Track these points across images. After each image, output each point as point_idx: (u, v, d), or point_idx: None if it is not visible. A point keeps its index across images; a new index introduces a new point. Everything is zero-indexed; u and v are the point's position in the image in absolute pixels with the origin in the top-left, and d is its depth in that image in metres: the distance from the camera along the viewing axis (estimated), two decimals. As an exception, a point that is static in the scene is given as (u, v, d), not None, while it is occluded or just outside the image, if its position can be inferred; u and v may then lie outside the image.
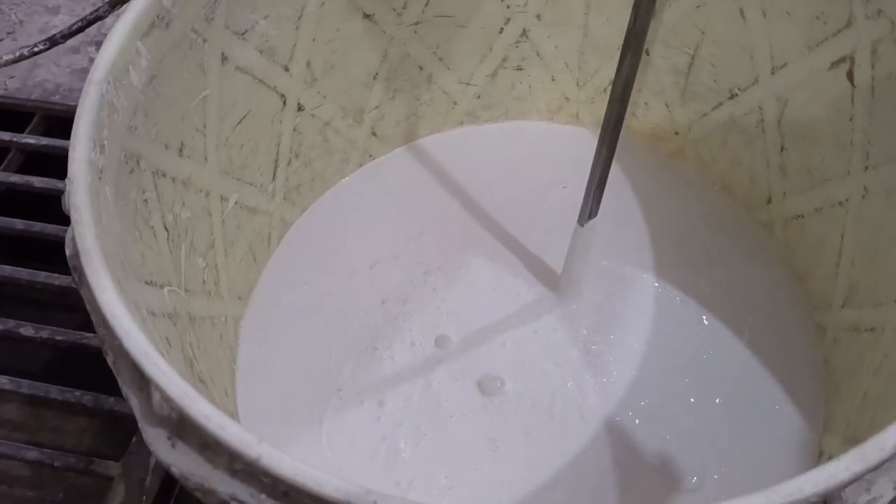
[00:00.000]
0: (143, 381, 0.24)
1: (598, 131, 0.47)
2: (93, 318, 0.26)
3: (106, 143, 0.28)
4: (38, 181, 0.55)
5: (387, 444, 0.38)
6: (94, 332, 0.47)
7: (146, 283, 0.30)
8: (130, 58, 0.30)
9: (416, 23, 0.42)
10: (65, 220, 0.50)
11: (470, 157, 0.48)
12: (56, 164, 0.57)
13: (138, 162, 0.31)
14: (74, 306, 0.53)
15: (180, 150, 0.34)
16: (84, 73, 0.61)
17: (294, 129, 0.41)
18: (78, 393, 0.46)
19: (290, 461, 0.21)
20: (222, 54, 0.35)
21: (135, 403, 0.24)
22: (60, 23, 0.64)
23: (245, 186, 0.39)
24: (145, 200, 0.31)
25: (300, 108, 0.41)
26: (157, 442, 0.23)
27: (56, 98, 0.59)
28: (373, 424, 0.39)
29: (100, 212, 0.26)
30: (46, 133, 0.58)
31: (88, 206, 0.25)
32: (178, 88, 0.33)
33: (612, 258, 0.43)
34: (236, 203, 0.39)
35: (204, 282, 0.36)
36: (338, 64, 0.41)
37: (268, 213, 0.42)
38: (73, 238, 0.26)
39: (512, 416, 0.38)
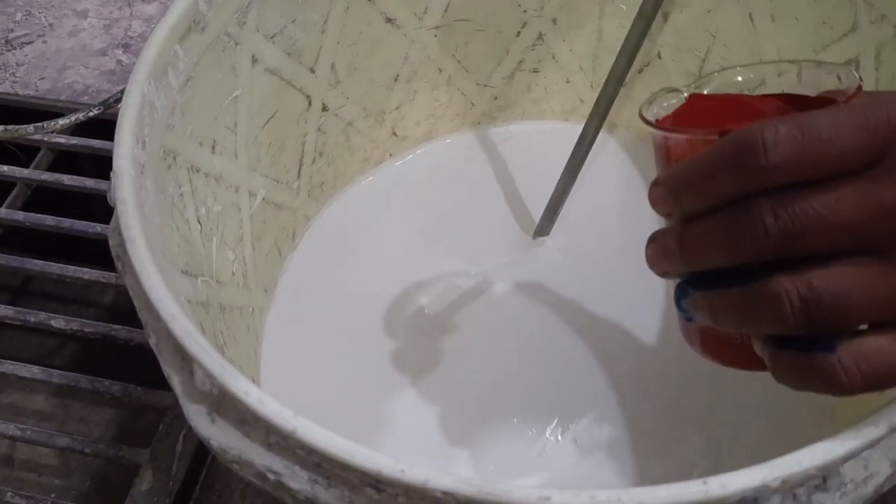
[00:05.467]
0: (185, 361, 0.25)
1: (610, 131, 0.49)
2: (136, 302, 0.27)
3: (147, 139, 0.30)
4: (67, 179, 0.56)
5: (411, 429, 0.39)
6: (123, 325, 0.49)
7: (182, 272, 0.32)
8: (169, 60, 0.32)
9: (436, 27, 0.43)
10: (93, 216, 0.53)
11: (486, 155, 0.49)
12: (85, 163, 0.59)
13: (175, 158, 0.32)
14: (102, 300, 0.55)
15: (213, 148, 0.36)
16: (111, 74, 0.63)
17: (319, 129, 0.43)
18: (107, 383, 0.47)
19: (323, 433, 0.22)
20: (253, 56, 0.37)
21: (176, 382, 0.25)
22: (89, 26, 0.66)
23: (272, 183, 0.41)
24: (181, 194, 0.33)
25: (325, 109, 0.42)
26: (198, 417, 0.25)
27: (85, 99, 0.61)
28: (394, 411, 0.40)
29: (142, 204, 0.28)
30: (75, 133, 0.59)
31: (133, 199, 0.27)
32: (211, 89, 0.35)
33: (627, 254, 0.45)
34: (263, 199, 0.40)
35: (233, 273, 0.38)
36: (361, 66, 0.42)
37: (292, 210, 0.43)
38: (118, 228, 0.28)
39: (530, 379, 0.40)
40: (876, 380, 0.23)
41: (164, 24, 0.31)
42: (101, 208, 0.60)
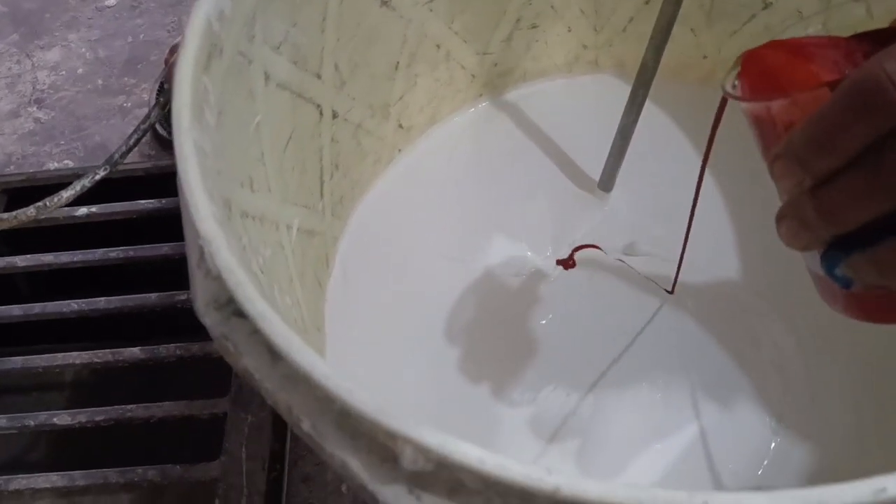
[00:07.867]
0: (362, 439, 0.21)
1: (619, 72, 0.46)
2: (266, 385, 0.23)
3: (213, 193, 0.25)
4: (20, 260, 0.51)
5: (517, 433, 0.37)
6: (134, 403, 0.44)
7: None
8: (201, 96, 0.27)
9: (431, 0, 0.40)
10: (63, 295, 0.47)
11: (496, 126, 0.46)
12: (36, 239, 0.53)
13: (230, 208, 0.28)
14: (97, 382, 0.50)
15: (252, 186, 0.31)
16: (33, 136, 0.56)
17: (332, 139, 0.38)
18: (140, 470, 0.43)
19: (594, 486, 0.18)
20: (265, 73, 0.32)
21: (357, 466, 0.21)
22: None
23: (302, 210, 0.37)
24: (243, 248, 0.28)
25: (335, 116, 0.38)
26: (399, 499, 0.21)
27: (10, 169, 0.54)
28: (491, 418, 0.37)
29: (246, 269, 0.23)
30: (10, 207, 0.53)
31: (238, 264, 0.22)
32: (237, 119, 0.30)
33: (654, 194, 0.43)
34: (298, 229, 0.36)
35: (295, 321, 0.34)
36: (361, 62, 0.38)
37: (322, 234, 0.39)
38: (214, 303, 0.23)
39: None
40: None
41: (186, 58, 0.26)
42: (68, 283, 0.54)
